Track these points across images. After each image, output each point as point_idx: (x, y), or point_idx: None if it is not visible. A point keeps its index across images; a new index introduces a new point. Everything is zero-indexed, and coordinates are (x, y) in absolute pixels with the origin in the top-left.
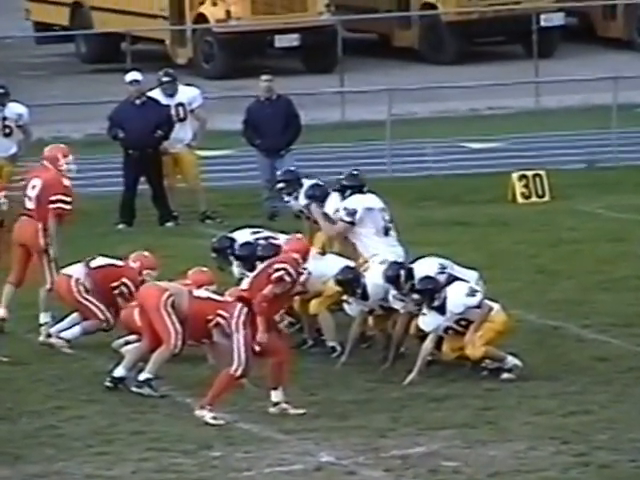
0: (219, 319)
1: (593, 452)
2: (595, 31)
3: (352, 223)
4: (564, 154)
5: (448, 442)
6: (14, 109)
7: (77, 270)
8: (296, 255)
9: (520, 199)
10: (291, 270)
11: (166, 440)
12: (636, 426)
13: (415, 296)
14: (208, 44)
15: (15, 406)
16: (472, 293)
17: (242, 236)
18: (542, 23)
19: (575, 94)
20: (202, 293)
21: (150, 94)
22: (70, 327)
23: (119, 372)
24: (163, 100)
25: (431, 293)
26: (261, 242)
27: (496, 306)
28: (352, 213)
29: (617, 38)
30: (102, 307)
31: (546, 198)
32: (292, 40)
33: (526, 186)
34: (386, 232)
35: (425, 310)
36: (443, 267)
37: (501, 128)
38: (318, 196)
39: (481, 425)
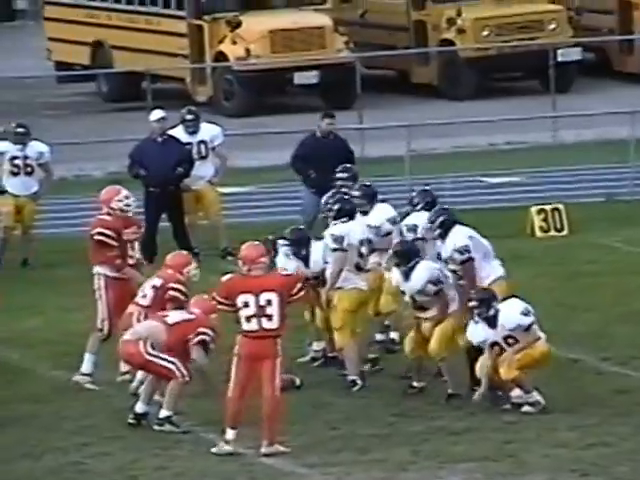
0: (201, 336)
1: None
2: (612, 66)
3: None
4: (582, 188)
5: (469, 475)
6: (35, 147)
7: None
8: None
9: (539, 233)
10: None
11: (189, 475)
12: None
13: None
14: (228, 82)
15: (39, 443)
16: (526, 313)
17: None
18: (559, 58)
19: (592, 128)
20: (176, 317)
21: (172, 132)
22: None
23: (140, 408)
24: (185, 138)
25: (488, 302)
26: None
27: (543, 336)
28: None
29: (634, 73)
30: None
31: (565, 232)
32: (311, 77)
33: (545, 220)
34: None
35: (477, 319)
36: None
37: (519, 162)
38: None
39: (501, 458)
